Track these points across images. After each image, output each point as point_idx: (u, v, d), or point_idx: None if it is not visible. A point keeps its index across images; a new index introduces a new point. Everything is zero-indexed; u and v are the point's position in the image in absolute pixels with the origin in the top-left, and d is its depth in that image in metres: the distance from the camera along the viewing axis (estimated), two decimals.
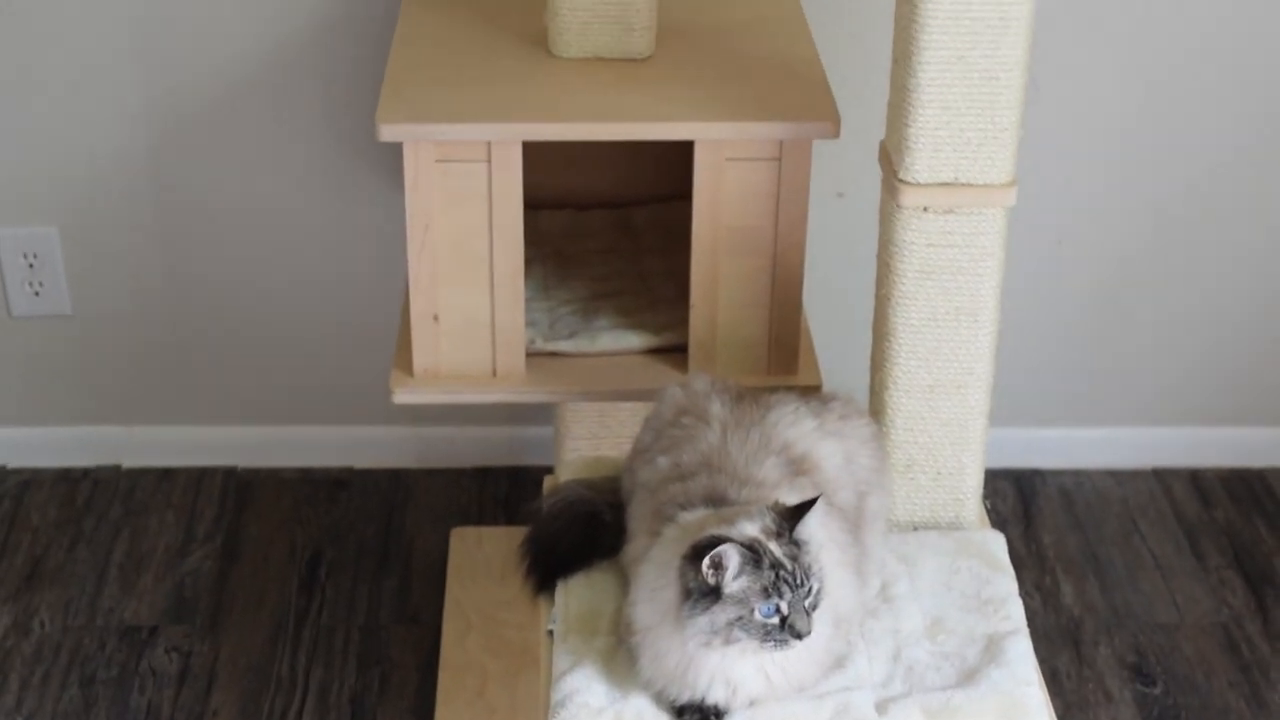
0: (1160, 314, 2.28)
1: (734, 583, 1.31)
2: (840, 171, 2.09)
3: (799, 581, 1.31)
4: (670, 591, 1.34)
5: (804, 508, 1.34)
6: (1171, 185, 2.19)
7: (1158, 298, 2.26)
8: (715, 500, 1.40)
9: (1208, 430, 2.36)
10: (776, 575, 1.31)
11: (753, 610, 1.31)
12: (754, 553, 1.31)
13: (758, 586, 1.31)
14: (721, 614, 1.31)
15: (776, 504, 1.36)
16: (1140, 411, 2.35)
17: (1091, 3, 2.07)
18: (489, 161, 1.67)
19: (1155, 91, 2.13)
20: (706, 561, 1.30)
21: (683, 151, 1.70)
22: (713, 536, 1.31)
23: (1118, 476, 2.36)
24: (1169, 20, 2.08)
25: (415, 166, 1.67)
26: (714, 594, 1.31)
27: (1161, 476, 2.36)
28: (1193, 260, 2.24)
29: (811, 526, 1.34)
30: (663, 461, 1.47)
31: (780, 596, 1.31)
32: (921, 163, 1.53)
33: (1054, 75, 2.09)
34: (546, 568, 1.54)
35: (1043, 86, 2.05)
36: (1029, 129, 1.57)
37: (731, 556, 1.30)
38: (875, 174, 1.60)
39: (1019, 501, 2.32)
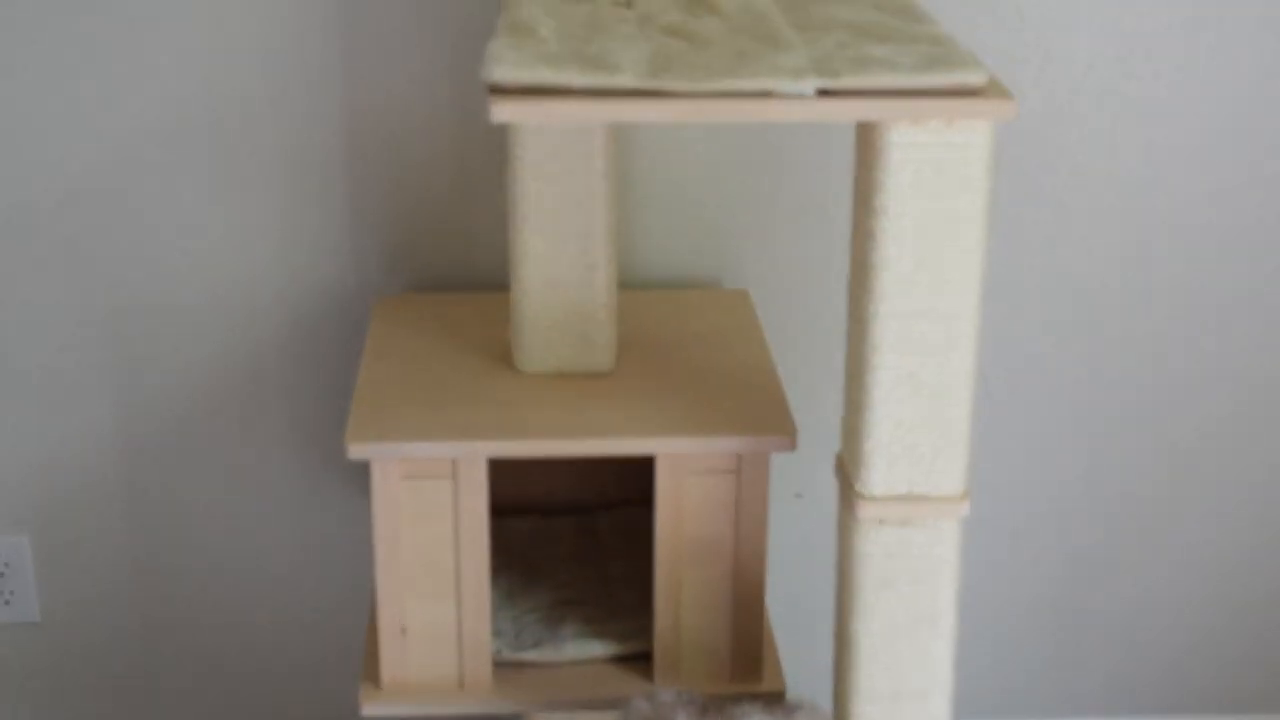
0: (1117, 605, 2.31)
1: None
2: (798, 472, 2.14)
3: None
4: None
5: None
6: (1124, 480, 2.24)
7: (1113, 589, 2.30)
8: None
9: (1170, 719, 2.38)
10: None
11: None
12: None
13: None
14: None
15: None
16: (1101, 701, 2.36)
17: (1041, 307, 2.14)
18: (455, 478, 1.71)
19: (1105, 391, 2.19)
20: None
21: (645, 458, 1.75)
22: None
23: None
24: (1121, 320, 2.15)
25: (383, 483, 1.71)
26: None
27: None
28: (1147, 551, 2.28)
29: None
30: None
31: None
32: (877, 477, 1.58)
33: (1004, 377, 2.15)
34: None
35: (994, 389, 2.12)
36: (980, 429, 1.62)
37: None
38: (832, 473, 1.65)
39: None
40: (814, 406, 2.03)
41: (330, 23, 1.97)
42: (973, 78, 1.46)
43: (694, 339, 1.93)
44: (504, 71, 1.43)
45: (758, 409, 1.77)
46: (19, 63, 1.97)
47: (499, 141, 1.84)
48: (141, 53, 1.97)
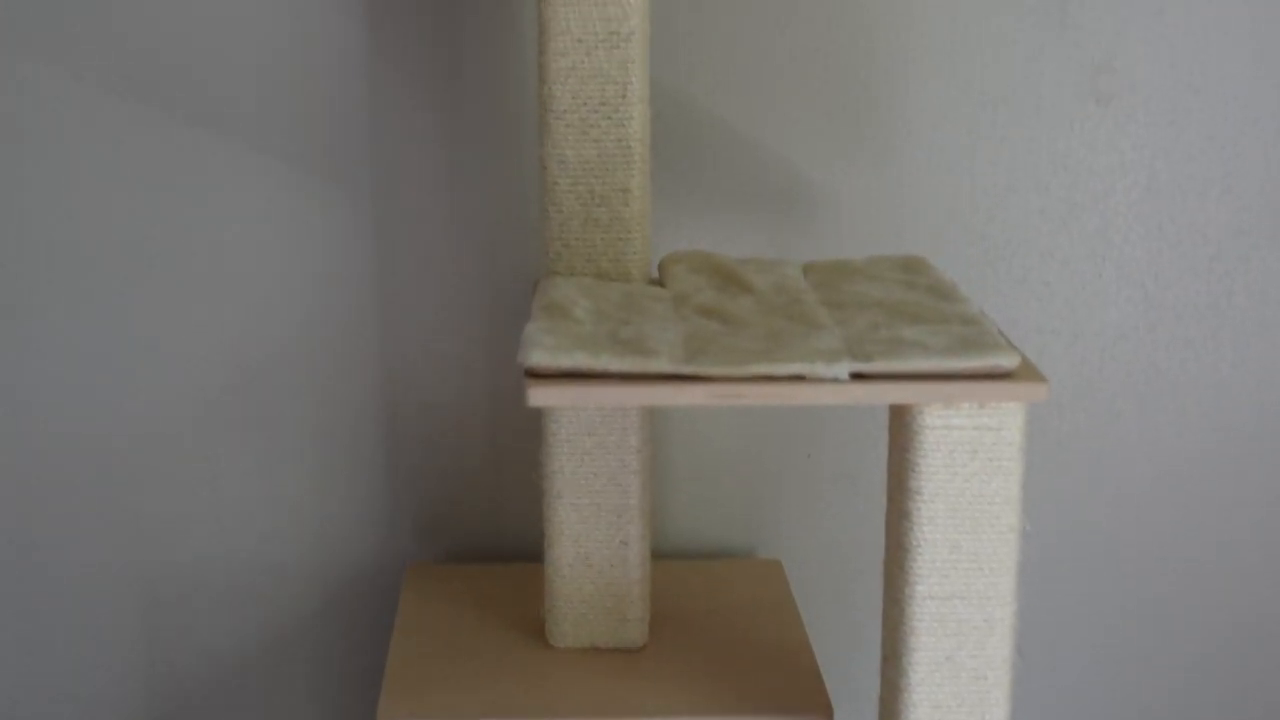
0: None
1: None
2: None
3: None
4: None
5: None
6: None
7: None
8: None
9: None
10: None
11: None
12: None
13: None
14: None
15: None
16: None
17: (1077, 581, 2.12)
18: None
19: (1145, 663, 2.16)
20: None
21: None
22: None
23: None
24: (1161, 593, 2.14)
25: None
26: None
27: None
28: None
29: None
30: None
31: None
32: None
33: (1042, 652, 2.13)
34: None
35: (1031, 664, 2.10)
36: (1018, 706, 1.60)
37: None
38: None
39: None
40: (849, 679, 2.01)
41: (365, 293, 2.00)
42: (1005, 360, 1.48)
43: (727, 611, 1.92)
44: (540, 356, 1.45)
45: (792, 686, 1.75)
46: (49, 335, 1.99)
47: (534, 413, 1.86)
48: (173, 325, 2.00)
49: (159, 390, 2.02)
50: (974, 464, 1.50)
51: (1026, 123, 1.99)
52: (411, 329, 2.01)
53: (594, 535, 1.79)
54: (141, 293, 1.99)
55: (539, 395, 1.44)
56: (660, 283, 1.74)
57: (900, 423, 1.53)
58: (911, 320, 1.57)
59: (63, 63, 1.93)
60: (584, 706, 1.71)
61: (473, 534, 2.07)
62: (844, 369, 1.45)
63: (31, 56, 1.92)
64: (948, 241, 2.01)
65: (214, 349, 2.01)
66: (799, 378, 1.46)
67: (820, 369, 1.45)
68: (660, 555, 2.04)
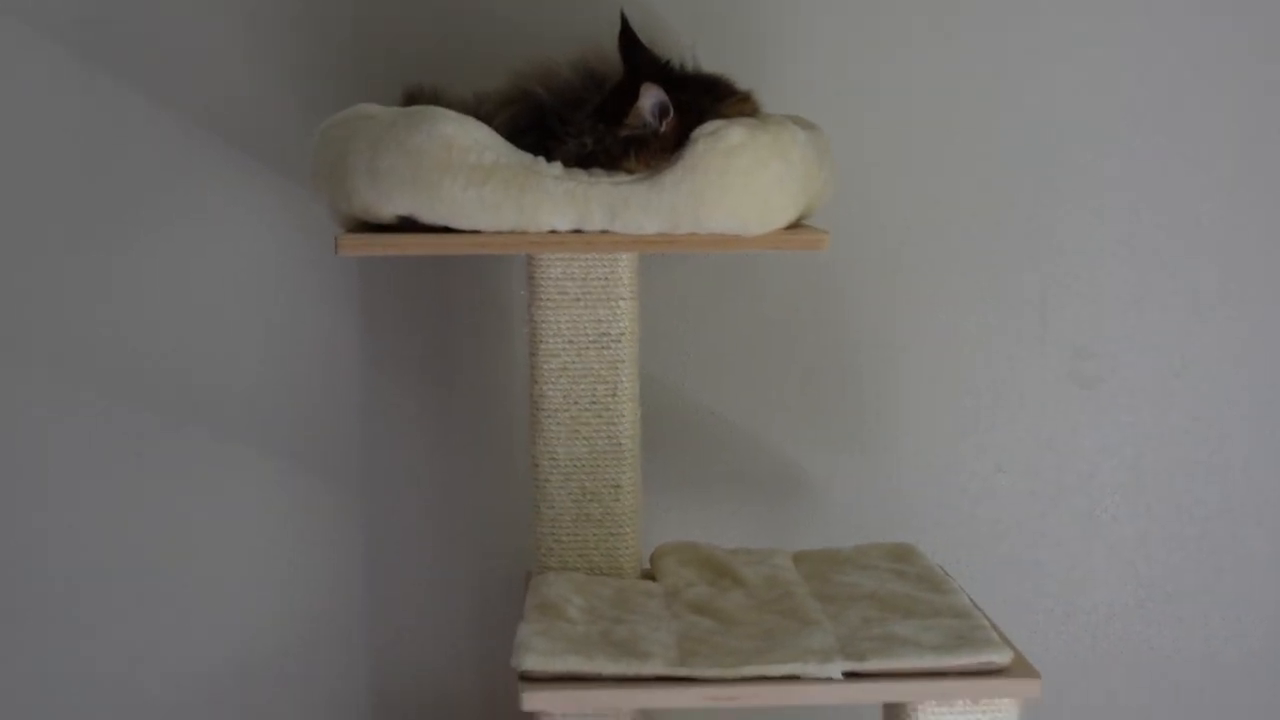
0: None
1: None
2: None
3: None
4: None
5: None
6: None
7: None
8: None
9: None
10: None
11: None
12: None
13: None
14: None
15: None
16: None
17: None
18: None
19: None
20: None
21: None
22: None
23: None
24: None
25: None
26: None
27: None
28: None
29: None
30: None
31: None
32: None
33: None
34: None
35: None
36: None
37: None
38: None
39: None
40: None
41: (356, 590, 2.01)
42: (998, 657, 1.48)
43: None
44: (534, 661, 1.45)
45: None
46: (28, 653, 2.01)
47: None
48: (164, 630, 2.01)
49: (139, 695, 2.02)
50: None
51: (1012, 409, 2.02)
52: (403, 627, 2.01)
53: None
54: (129, 602, 2.00)
55: (534, 700, 1.44)
56: (652, 575, 1.75)
57: (894, 719, 1.53)
58: (904, 614, 1.58)
59: (64, 369, 1.97)
60: None
61: None
62: (837, 668, 1.46)
63: (34, 365, 1.97)
64: (939, 523, 2.02)
65: (199, 655, 2.01)
66: (793, 677, 1.46)
67: (814, 669, 1.46)
68: None
